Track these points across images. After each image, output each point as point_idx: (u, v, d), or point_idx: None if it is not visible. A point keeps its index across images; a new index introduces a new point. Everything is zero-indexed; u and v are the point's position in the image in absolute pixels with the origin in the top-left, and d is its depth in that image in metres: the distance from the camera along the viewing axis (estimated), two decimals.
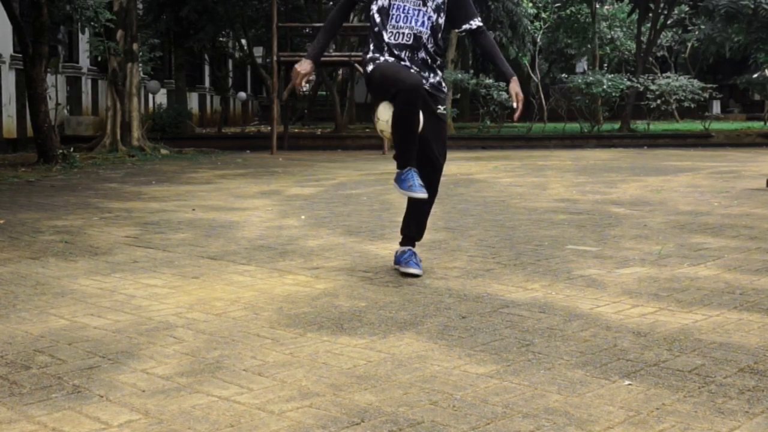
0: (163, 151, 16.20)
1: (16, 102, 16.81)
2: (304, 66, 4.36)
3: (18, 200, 8.35)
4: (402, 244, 4.60)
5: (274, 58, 17.59)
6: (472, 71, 26.06)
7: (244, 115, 33.04)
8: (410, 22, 4.30)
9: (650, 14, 22.85)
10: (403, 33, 4.30)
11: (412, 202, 4.53)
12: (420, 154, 4.42)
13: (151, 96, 22.02)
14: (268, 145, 17.64)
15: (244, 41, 25.11)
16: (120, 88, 16.10)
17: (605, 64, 29.74)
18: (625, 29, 28.51)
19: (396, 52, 4.31)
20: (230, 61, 30.07)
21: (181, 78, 22.97)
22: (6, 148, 16.23)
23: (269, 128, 18.50)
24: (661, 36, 26.65)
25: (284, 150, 17.96)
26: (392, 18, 4.31)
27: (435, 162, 4.44)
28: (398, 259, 4.55)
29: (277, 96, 18.23)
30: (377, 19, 4.36)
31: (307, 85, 4.92)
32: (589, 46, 25.84)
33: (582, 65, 30.80)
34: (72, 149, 13.55)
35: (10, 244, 5.59)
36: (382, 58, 4.34)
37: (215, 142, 19.87)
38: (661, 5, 22.63)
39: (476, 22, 4.45)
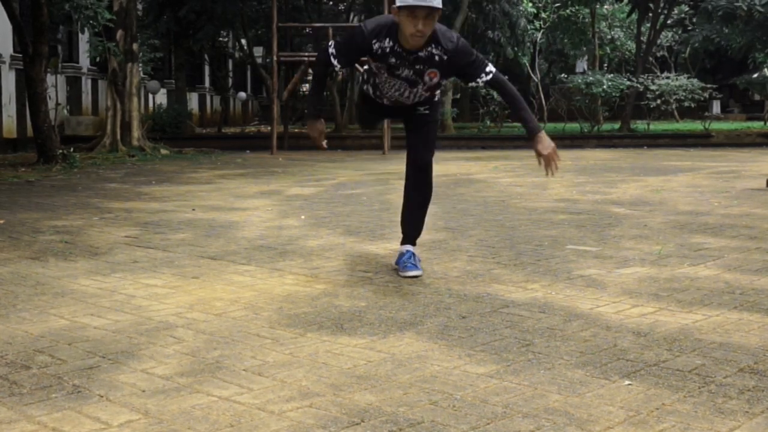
0: (163, 151, 16.20)
1: (16, 102, 16.82)
2: (316, 127, 4.52)
3: (18, 200, 8.35)
4: (402, 243, 4.60)
5: (274, 58, 17.59)
6: None
7: (244, 115, 33.05)
8: (396, 93, 4.34)
9: (650, 14, 22.85)
10: (388, 96, 4.40)
11: (407, 200, 4.55)
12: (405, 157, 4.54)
13: (151, 96, 22.02)
14: (268, 145, 17.64)
15: (243, 41, 25.11)
16: (120, 88, 16.10)
17: (605, 64, 29.74)
18: (625, 29, 28.50)
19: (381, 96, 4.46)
20: (230, 61, 30.07)
21: (181, 78, 22.97)
22: (6, 148, 16.23)
23: (269, 128, 18.50)
24: (661, 36, 26.65)
25: (284, 150, 17.95)
26: (378, 85, 4.37)
27: (418, 162, 4.47)
28: (397, 262, 4.55)
29: (277, 96, 18.23)
30: (365, 75, 4.49)
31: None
32: (596, 45, 25.79)
33: (582, 65, 30.80)
34: (72, 149, 13.55)
35: (10, 244, 5.59)
36: (366, 86, 4.52)
37: (215, 142, 19.87)
38: (661, 5, 22.63)
39: (484, 77, 4.14)
